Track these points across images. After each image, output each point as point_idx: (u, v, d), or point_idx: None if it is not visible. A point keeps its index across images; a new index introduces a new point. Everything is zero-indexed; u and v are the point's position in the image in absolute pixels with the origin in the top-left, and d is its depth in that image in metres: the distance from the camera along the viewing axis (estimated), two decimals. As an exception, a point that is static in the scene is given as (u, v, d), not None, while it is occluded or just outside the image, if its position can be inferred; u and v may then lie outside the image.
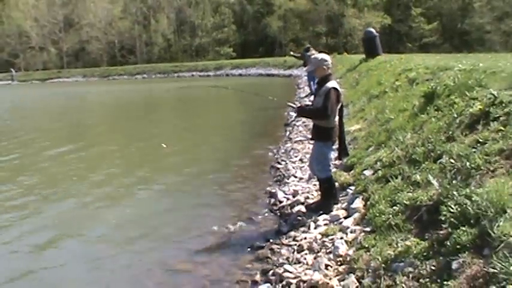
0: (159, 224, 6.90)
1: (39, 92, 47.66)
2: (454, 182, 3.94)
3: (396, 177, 5.18)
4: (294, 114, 12.41)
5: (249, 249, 5.65)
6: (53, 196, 8.67)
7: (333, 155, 6.57)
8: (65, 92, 43.83)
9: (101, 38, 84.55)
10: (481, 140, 4.25)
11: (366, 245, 4.37)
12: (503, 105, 4.50)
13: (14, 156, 12.57)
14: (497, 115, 4.44)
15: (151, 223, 6.99)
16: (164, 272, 5.33)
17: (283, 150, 10.93)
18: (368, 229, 4.76)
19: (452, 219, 3.42)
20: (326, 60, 6.01)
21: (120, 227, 6.95)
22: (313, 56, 6.37)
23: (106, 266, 5.64)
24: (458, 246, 3.16)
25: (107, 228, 6.91)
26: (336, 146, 6.30)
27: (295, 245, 5.37)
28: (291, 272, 4.66)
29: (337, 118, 5.98)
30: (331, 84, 5.87)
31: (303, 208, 6.46)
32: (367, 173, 6.20)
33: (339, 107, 5.92)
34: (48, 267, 5.67)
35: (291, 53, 23.58)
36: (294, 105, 6.60)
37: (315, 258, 4.86)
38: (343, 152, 6.32)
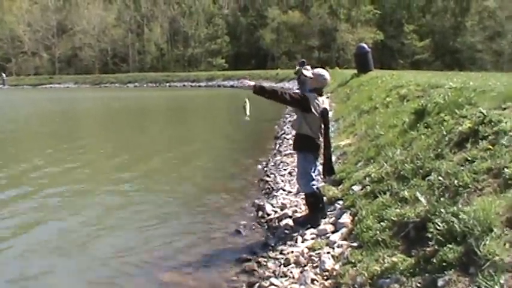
0: (145, 235, 6.81)
1: (36, 96, 47.61)
2: (441, 199, 3.95)
3: (384, 193, 5.18)
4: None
5: (235, 261, 5.60)
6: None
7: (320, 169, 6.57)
8: (70, 99, 43.52)
9: (93, 45, 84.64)
10: (469, 158, 4.26)
11: (353, 260, 4.36)
12: (492, 124, 4.53)
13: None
14: (486, 134, 4.46)
15: (137, 234, 6.92)
16: (150, 283, 5.27)
17: (272, 163, 10.92)
18: (355, 244, 4.75)
19: (439, 237, 3.41)
20: (323, 76, 6.16)
21: (105, 237, 6.87)
22: (316, 70, 6.44)
23: (92, 277, 5.56)
24: (444, 264, 3.16)
25: (91, 238, 6.79)
26: (320, 162, 6.32)
27: (282, 258, 5.34)
28: (277, 286, 4.65)
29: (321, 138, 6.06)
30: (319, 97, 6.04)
31: (290, 222, 6.45)
32: (356, 188, 6.19)
33: (321, 123, 6.04)
34: (35, 274, 5.60)
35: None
36: (251, 82, 6.11)
37: (301, 272, 4.83)
38: (328, 170, 6.26)
